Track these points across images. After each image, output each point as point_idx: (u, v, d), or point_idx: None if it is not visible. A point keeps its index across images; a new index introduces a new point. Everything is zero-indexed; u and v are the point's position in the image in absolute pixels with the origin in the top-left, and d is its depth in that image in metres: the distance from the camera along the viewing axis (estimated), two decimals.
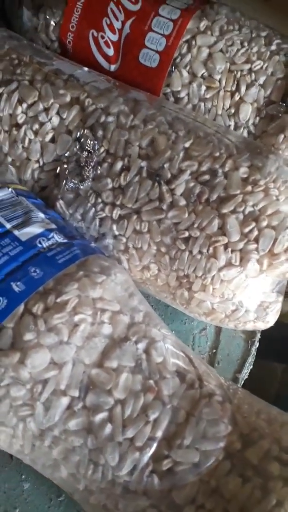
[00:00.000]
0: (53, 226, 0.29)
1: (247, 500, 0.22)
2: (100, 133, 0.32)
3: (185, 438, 0.24)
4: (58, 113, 0.33)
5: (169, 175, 0.30)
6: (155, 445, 0.24)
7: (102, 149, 0.32)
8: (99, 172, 0.32)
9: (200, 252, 0.30)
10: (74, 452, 0.24)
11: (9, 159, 0.34)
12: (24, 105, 0.33)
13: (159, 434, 0.24)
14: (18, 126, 0.34)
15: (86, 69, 0.36)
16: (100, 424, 0.24)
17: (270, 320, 0.32)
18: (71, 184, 0.33)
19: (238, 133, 0.37)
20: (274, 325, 0.33)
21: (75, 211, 0.33)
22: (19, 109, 0.33)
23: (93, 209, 0.32)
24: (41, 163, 0.34)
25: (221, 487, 0.23)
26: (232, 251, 0.29)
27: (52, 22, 0.41)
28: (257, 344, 0.39)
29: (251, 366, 0.39)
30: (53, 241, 0.28)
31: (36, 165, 0.34)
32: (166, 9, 0.38)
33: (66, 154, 0.33)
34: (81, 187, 0.32)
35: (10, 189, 0.30)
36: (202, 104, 0.38)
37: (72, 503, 0.32)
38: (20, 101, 0.33)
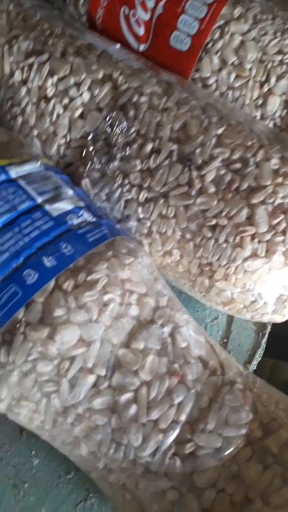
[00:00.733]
0: (82, 203, 0.28)
1: (268, 487, 0.23)
2: (131, 113, 0.31)
3: (208, 423, 0.24)
4: (89, 89, 0.32)
5: (200, 161, 0.30)
6: (178, 428, 0.24)
7: (132, 130, 0.31)
8: (128, 152, 0.31)
9: (226, 240, 0.30)
10: (97, 431, 0.24)
11: (35, 132, 0.34)
12: (55, 78, 0.32)
13: (183, 417, 0.24)
14: (46, 99, 0.33)
15: (118, 46, 0.35)
16: (125, 404, 0.24)
17: (287, 313, 0.33)
18: (98, 163, 0.32)
19: (266, 124, 0.37)
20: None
21: (100, 191, 0.33)
22: (49, 82, 0.33)
23: (119, 190, 0.32)
24: (68, 139, 0.33)
25: (242, 473, 0.23)
26: (259, 242, 0.29)
27: None
28: (266, 337, 0.40)
29: (260, 358, 0.39)
30: (83, 219, 0.27)
31: (63, 141, 0.33)
32: None
33: (95, 132, 0.32)
34: (109, 166, 0.32)
35: (39, 162, 0.29)
36: (230, 92, 0.38)
37: (81, 481, 0.32)
38: (51, 73, 0.33)
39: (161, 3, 0.38)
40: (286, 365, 0.62)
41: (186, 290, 0.36)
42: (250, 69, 0.37)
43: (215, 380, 0.26)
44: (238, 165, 0.30)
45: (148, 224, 0.32)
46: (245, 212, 0.29)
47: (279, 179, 0.30)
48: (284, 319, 0.34)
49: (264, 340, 0.39)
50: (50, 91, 0.32)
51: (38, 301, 0.24)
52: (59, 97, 0.32)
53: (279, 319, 0.33)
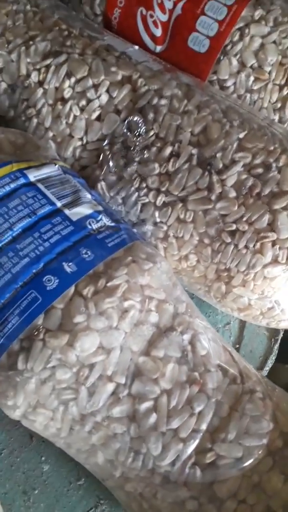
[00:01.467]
0: (100, 208, 0.28)
1: None
2: (151, 115, 0.31)
3: (229, 433, 0.24)
4: (107, 90, 0.32)
5: (221, 165, 0.30)
6: (199, 437, 0.24)
7: (151, 133, 0.31)
8: (146, 156, 0.31)
9: (246, 246, 0.29)
10: (115, 439, 0.24)
11: (50, 134, 0.33)
12: (73, 79, 0.32)
13: (203, 426, 0.24)
14: (63, 100, 0.32)
15: (137, 47, 0.35)
16: (145, 413, 0.24)
17: None
18: (115, 166, 0.32)
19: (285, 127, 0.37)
20: None
21: (116, 194, 0.32)
22: (67, 83, 0.32)
23: (136, 193, 0.32)
24: (84, 141, 0.33)
25: (263, 483, 0.23)
26: (280, 248, 0.29)
27: None
28: (279, 342, 0.39)
29: (272, 364, 0.39)
30: (102, 223, 0.27)
31: (79, 143, 0.33)
32: None
33: (112, 134, 0.32)
34: (126, 170, 0.31)
35: (57, 166, 0.29)
36: (249, 95, 0.37)
37: (92, 487, 0.32)
38: (69, 75, 0.32)
39: (180, 4, 0.37)
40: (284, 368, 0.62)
41: (200, 295, 0.35)
42: (270, 72, 0.37)
43: (235, 388, 0.25)
44: (260, 170, 0.29)
45: (165, 228, 0.32)
46: (266, 217, 0.29)
47: None
48: None
49: (277, 346, 0.39)
50: (67, 93, 0.32)
51: (58, 307, 0.24)
52: (76, 99, 0.32)
53: None
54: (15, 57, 0.34)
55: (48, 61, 0.33)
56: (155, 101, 0.31)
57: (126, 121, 0.31)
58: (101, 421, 0.24)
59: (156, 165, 0.31)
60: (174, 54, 0.38)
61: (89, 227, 0.26)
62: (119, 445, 0.24)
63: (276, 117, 0.37)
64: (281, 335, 0.40)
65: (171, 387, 0.24)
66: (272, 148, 0.30)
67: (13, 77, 0.34)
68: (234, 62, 0.37)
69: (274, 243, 0.29)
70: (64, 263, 0.24)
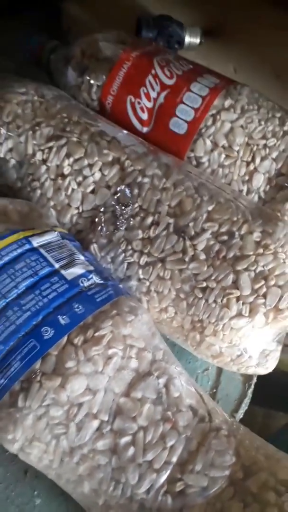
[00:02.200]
0: (91, 268, 0.33)
1: None
2: (136, 191, 0.37)
3: (196, 465, 0.28)
4: (100, 169, 0.38)
5: (192, 232, 0.35)
6: (170, 468, 0.28)
7: (136, 205, 0.37)
8: (131, 223, 0.37)
9: (215, 301, 0.35)
10: (99, 470, 0.28)
11: (51, 203, 0.39)
12: (71, 159, 0.38)
13: (174, 459, 0.28)
14: (63, 176, 0.39)
15: (125, 132, 0.41)
16: (124, 446, 0.28)
17: (270, 366, 0.37)
18: (106, 231, 0.37)
19: (251, 198, 0.43)
20: None
21: (106, 254, 0.38)
22: (66, 162, 0.38)
23: (123, 254, 0.37)
24: (80, 210, 0.39)
25: (225, 510, 0.27)
26: (243, 303, 0.34)
27: (95, 84, 0.47)
28: (253, 387, 0.44)
29: (247, 407, 0.43)
30: (92, 281, 0.32)
31: (76, 211, 0.39)
32: (196, 86, 0.44)
33: (104, 205, 0.38)
34: (115, 234, 0.37)
35: (56, 232, 0.34)
36: (221, 169, 0.44)
37: None
38: (68, 155, 0.39)
39: (163, 94, 0.44)
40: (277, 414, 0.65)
41: (180, 343, 0.40)
42: (238, 151, 0.43)
43: (203, 426, 0.30)
44: (225, 237, 0.35)
45: (147, 284, 0.37)
46: (231, 277, 0.34)
47: (260, 250, 0.35)
48: (267, 372, 0.38)
49: (251, 390, 0.43)
50: (66, 170, 0.38)
51: (53, 353, 0.28)
52: (74, 175, 0.38)
53: (262, 371, 0.37)
54: (23, 139, 0.40)
55: (51, 144, 0.39)
56: (139, 179, 0.37)
57: (115, 195, 0.37)
58: (87, 453, 0.28)
59: (140, 231, 0.36)
60: (158, 134, 0.45)
61: (81, 284, 0.31)
62: (102, 475, 0.28)
63: (245, 188, 0.43)
64: (254, 380, 0.44)
65: (147, 424, 0.28)
66: (235, 219, 0.36)
67: (21, 155, 0.40)
68: (208, 142, 0.43)
69: (238, 299, 0.34)
70: (59, 316, 0.29)
